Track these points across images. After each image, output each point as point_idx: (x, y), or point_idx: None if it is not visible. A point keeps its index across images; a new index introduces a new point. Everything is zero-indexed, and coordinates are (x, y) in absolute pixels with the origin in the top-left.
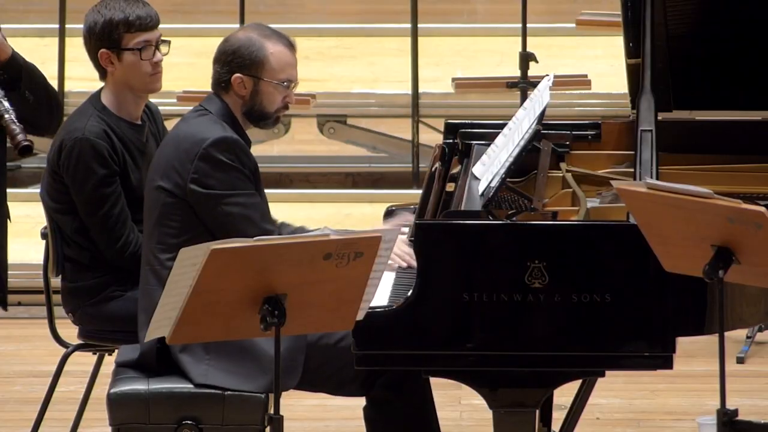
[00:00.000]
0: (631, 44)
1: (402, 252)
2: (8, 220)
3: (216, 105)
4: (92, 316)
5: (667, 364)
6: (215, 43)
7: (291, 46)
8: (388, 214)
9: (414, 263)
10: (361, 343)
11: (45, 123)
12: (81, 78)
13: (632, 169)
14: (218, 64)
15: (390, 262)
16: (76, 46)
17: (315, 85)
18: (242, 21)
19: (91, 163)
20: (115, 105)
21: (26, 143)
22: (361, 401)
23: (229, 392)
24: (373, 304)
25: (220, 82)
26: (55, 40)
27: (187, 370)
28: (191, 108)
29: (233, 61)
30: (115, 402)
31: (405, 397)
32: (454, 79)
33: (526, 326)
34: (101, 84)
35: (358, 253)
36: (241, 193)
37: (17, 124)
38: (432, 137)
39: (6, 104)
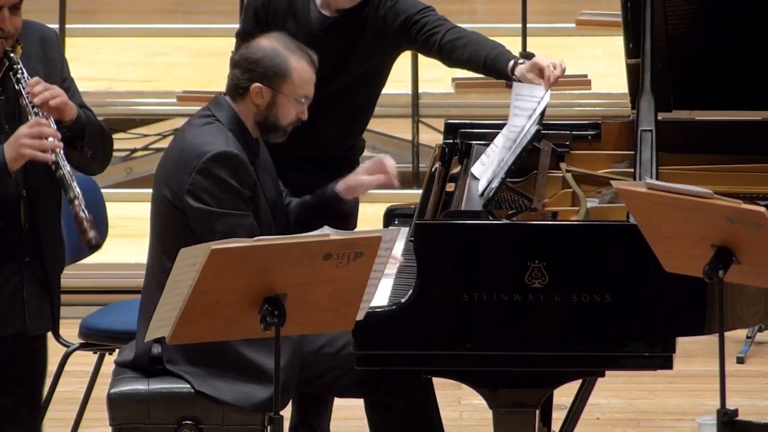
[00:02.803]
0: (631, 44)
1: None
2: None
3: (225, 112)
4: None
5: (667, 364)
6: (215, 43)
7: (312, 63)
8: (389, 213)
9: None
10: (361, 343)
11: (96, 171)
12: (81, 78)
13: (632, 169)
14: (239, 69)
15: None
16: (76, 46)
17: None
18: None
19: None
20: None
21: (95, 243)
22: (362, 401)
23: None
24: (373, 304)
25: (238, 88)
26: None
27: (186, 376)
28: (198, 110)
29: (255, 70)
30: (115, 402)
31: (408, 399)
32: (454, 79)
33: (526, 326)
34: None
35: (358, 253)
36: (232, 213)
37: (86, 213)
38: (432, 137)
39: (76, 188)
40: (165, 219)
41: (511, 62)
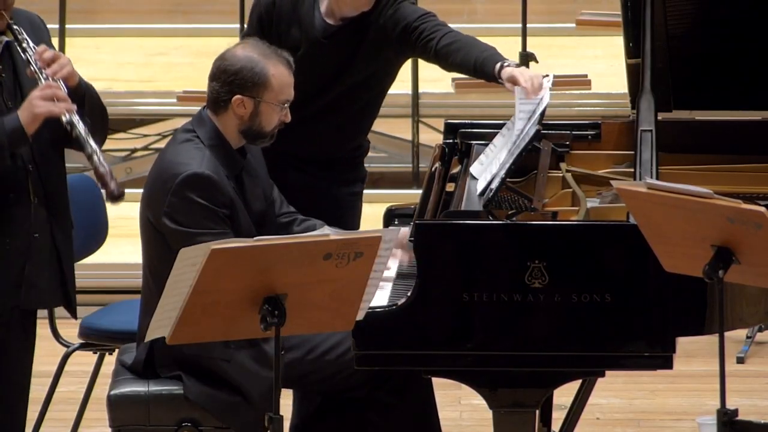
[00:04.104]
0: (631, 44)
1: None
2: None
3: (205, 128)
4: None
5: (667, 364)
6: (215, 43)
7: (290, 66)
8: (389, 213)
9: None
10: (361, 343)
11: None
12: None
13: (632, 169)
14: (217, 82)
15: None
16: (76, 46)
17: None
18: (242, 21)
19: None
20: None
21: (119, 192)
22: None
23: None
24: (373, 304)
25: (219, 101)
26: (56, 41)
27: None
28: (183, 124)
29: (234, 82)
30: (114, 403)
31: (408, 400)
32: (454, 79)
33: (526, 326)
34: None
35: (358, 253)
36: (208, 232)
37: (105, 165)
38: (432, 137)
39: (92, 143)
40: (151, 239)
41: (498, 65)
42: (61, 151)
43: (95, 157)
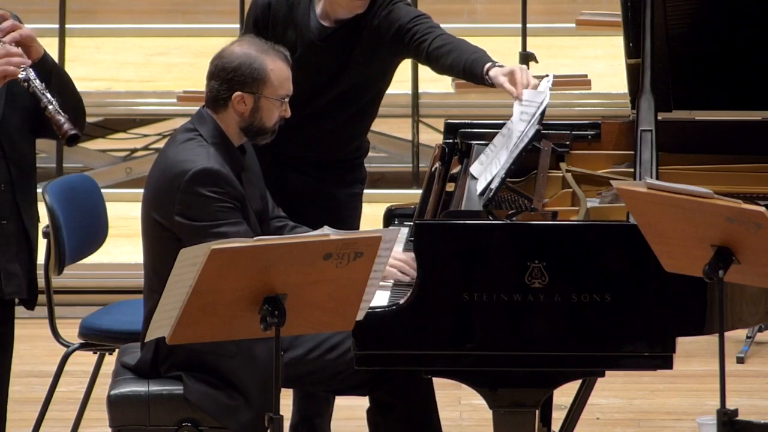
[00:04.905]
0: (631, 44)
1: (398, 262)
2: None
3: (207, 126)
4: None
5: (667, 364)
6: (215, 43)
7: (287, 60)
8: (389, 213)
9: (412, 273)
10: (361, 343)
11: (73, 128)
12: (81, 78)
13: (632, 169)
14: (216, 80)
15: (386, 280)
16: (76, 47)
17: None
18: (242, 21)
19: None
20: None
21: (73, 132)
22: (362, 401)
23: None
24: (373, 304)
25: (219, 99)
26: (55, 40)
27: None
28: (182, 124)
29: (233, 79)
30: (114, 404)
31: (409, 401)
32: (454, 79)
33: (526, 326)
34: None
35: (358, 253)
36: (225, 222)
37: (62, 114)
38: (432, 137)
39: (48, 95)
40: (156, 240)
41: (487, 65)
42: (31, 141)
43: (50, 108)
